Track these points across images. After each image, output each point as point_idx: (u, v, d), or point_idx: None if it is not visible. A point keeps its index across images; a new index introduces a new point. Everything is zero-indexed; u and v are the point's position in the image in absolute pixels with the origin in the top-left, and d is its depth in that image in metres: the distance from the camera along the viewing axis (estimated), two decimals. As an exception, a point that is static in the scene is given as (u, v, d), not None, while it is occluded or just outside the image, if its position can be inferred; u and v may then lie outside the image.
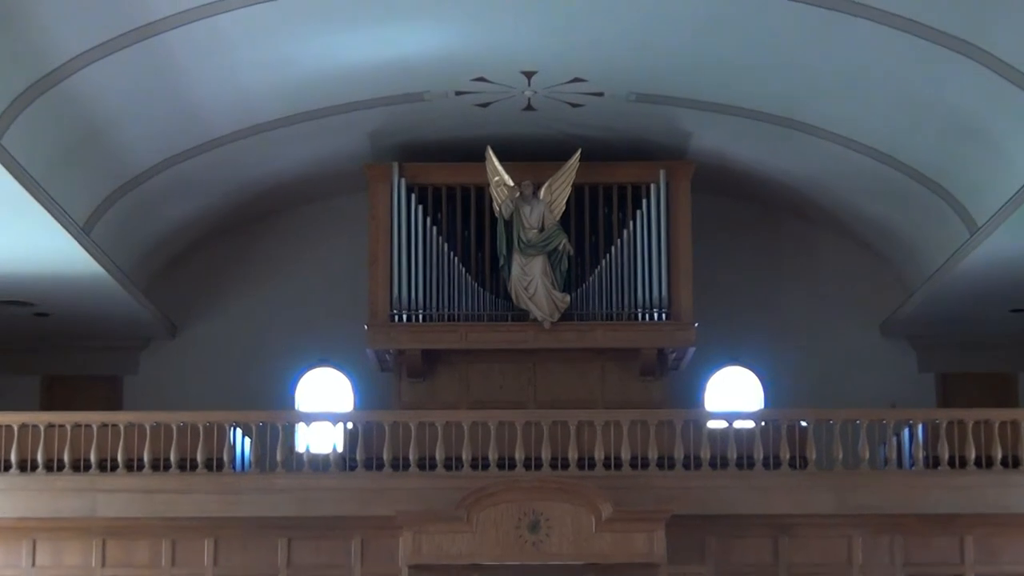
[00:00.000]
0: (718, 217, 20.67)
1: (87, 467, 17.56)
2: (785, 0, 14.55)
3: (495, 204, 18.99)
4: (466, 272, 18.94)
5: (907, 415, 18.70)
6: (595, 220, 19.27)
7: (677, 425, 17.96)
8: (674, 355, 19.46)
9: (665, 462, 17.75)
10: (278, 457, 17.74)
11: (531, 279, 18.75)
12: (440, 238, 18.96)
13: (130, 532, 17.53)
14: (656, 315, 18.84)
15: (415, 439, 17.73)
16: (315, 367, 21.07)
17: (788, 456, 17.80)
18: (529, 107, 18.08)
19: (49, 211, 15.78)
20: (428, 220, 18.96)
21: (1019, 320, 20.36)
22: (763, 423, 18.22)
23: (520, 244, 18.79)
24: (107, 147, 16.79)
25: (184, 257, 21.25)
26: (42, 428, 17.68)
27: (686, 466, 17.74)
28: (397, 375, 19.77)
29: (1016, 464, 17.70)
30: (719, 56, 16.49)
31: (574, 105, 18.08)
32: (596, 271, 19.02)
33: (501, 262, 18.95)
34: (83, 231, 17.15)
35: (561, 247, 18.87)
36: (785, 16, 14.89)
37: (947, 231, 18.41)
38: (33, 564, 17.50)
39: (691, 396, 20.70)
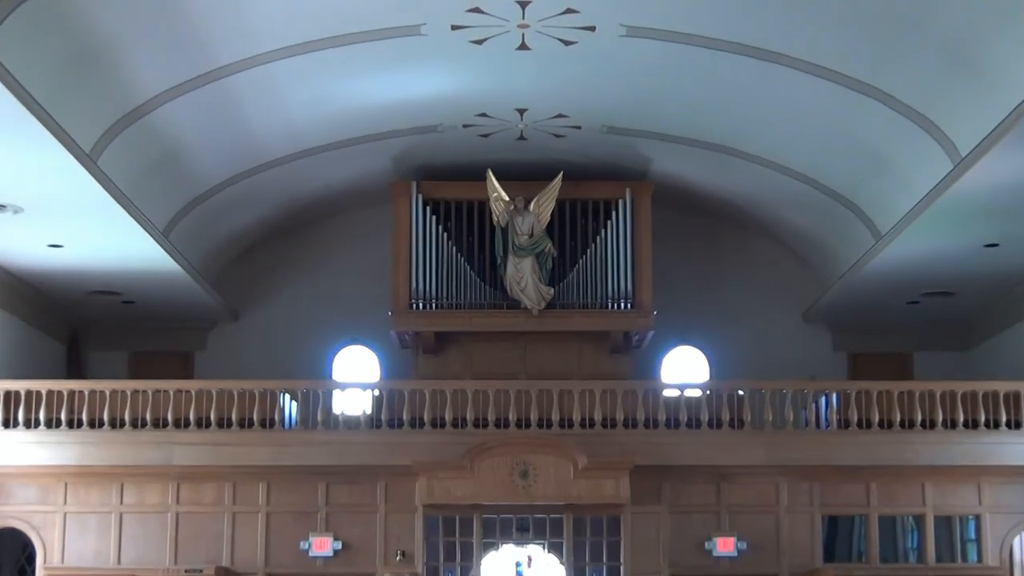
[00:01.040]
0: (673, 227, 20.62)
1: (165, 425, 17.60)
2: (727, 53, 14.61)
3: (494, 215, 19.01)
4: (470, 269, 18.94)
5: (824, 386, 18.74)
6: (574, 228, 19.24)
7: (639, 393, 18.02)
8: (637, 337, 19.48)
9: (629, 422, 17.77)
10: (318, 417, 17.77)
11: (522, 275, 18.80)
12: (449, 242, 18.96)
13: (200, 477, 17.58)
14: (622, 304, 18.87)
15: (429, 403, 17.77)
16: (348, 345, 21.10)
17: (728, 418, 17.83)
18: (522, 137, 18.13)
19: (135, 219, 15.90)
20: (440, 228, 18.96)
21: (914, 310, 20.43)
22: (708, 392, 18.22)
23: (514, 247, 18.83)
24: (183, 167, 16.86)
25: (244, 256, 21.25)
26: (128, 393, 17.73)
27: (646, 426, 17.76)
28: (414, 352, 19.78)
29: (911, 426, 17.73)
30: (675, 97, 16.55)
31: (557, 136, 18.13)
32: (575, 269, 19.01)
33: (498, 261, 18.95)
34: (163, 235, 17.24)
35: (547, 250, 18.91)
36: (727, 66, 14.95)
37: (856, 238, 18.46)
38: (121, 503, 17.54)
39: (650, 369, 20.68)
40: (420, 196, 18.98)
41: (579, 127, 17.78)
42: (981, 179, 14.27)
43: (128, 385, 18.02)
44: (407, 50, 14.84)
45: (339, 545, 17.48)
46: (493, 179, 18.84)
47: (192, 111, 15.29)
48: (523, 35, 14.46)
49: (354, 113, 17.02)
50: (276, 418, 17.85)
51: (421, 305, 18.78)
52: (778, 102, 15.92)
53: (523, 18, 14.05)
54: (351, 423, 18.17)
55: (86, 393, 17.73)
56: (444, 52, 14.98)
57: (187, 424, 17.61)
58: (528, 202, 18.91)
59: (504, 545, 17.43)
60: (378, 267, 20.00)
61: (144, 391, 17.80)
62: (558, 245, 19.05)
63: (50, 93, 12.53)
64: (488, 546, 17.36)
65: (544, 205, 18.93)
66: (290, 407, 18.37)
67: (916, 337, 21.34)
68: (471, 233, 19.16)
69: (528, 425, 17.66)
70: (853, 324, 21.18)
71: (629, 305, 18.86)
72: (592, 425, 17.68)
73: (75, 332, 20.99)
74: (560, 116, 17.41)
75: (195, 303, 20.21)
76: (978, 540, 17.80)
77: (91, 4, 12.18)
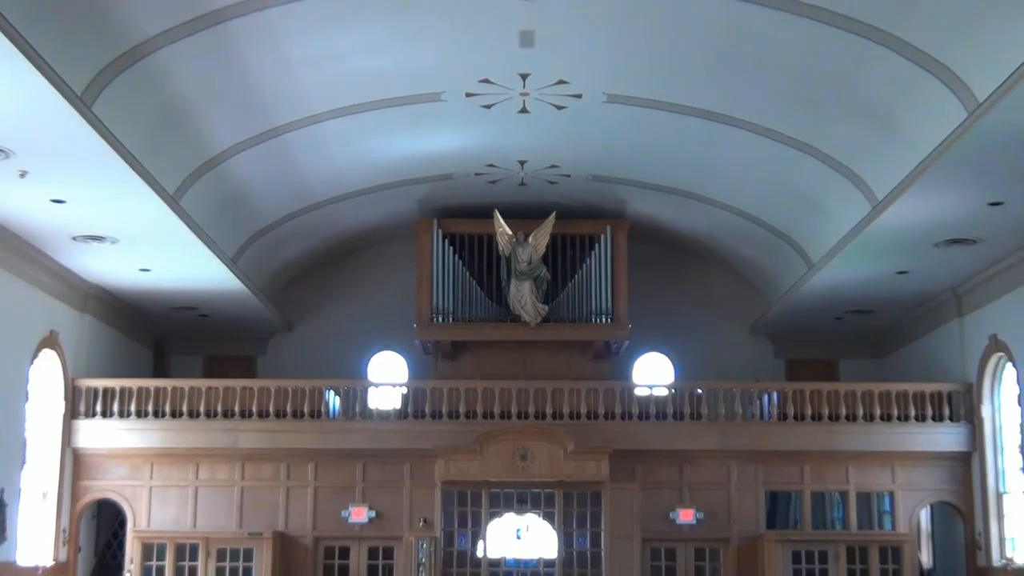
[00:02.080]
0: (645, 256, 20.53)
1: (232, 415, 17.59)
2: (690, 116, 14.68)
3: (499, 247, 18.93)
4: (480, 290, 18.89)
5: (766, 386, 18.74)
6: (564, 257, 19.16)
7: (616, 391, 18.04)
8: (615, 345, 19.38)
9: (609, 415, 17.76)
10: (356, 410, 17.79)
11: (522, 295, 18.77)
12: (463, 268, 18.91)
13: (260, 458, 17.57)
14: (603, 319, 18.79)
15: (446, 398, 17.79)
16: (381, 351, 21.06)
17: (689, 412, 17.83)
18: (522, 184, 18.11)
19: (210, 248, 15.94)
20: (456, 256, 18.91)
21: (839, 325, 20.38)
22: (672, 390, 18.22)
23: (515, 272, 18.80)
24: (248, 207, 16.88)
25: (297, 278, 21.22)
26: (203, 390, 17.75)
27: (622, 418, 17.75)
28: (435, 357, 19.73)
29: (837, 419, 17.71)
30: (647, 152, 16.59)
31: (551, 182, 18.11)
32: (565, 290, 18.94)
33: (503, 284, 18.88)
34: (232, 261, 17.25)
35: (542, 275, 18.87)
36: (690, 127, 15.02)
37: (792, 266, 18.46)
38: (196, 478, 17.54)
39: (626, 372, 20.64)
40: (440, 231, 18.97)
41: (569, 175, 17.80)
42: (893, 219, 14.29)
43: (202, 383, 18.00)
44: (430, 113, 14.90)
45: (373, 513, 17.45)
46: (499, 217, 18.84)
47: (256, 161, 15.33)
48: (524, 101, 14.52)
49: (386, 164, 17.04)
50: (322, 410, 17.85)
51: (440, 319, 18.75)
52: (731, 156, 15.94)
53: (524, 87, 14.12)
54: (383, 415, 18.13)
55: (168, 390, 17.76)
56: (459, 115, 15.03)
57: (250, 415, 17.60)
58: (527, 236, 18.89)
59: (507, 514, 17.39)
60: (405, 288, 19.95)
61: (215, 388, 17.80)
62: (551, 271, 19.00)
63: (142, 145, 12.60)
64: (494, 515, 17.33)
65: (540, 238, 18.92)
66: (333, 401, 18.35)
67: (841, 347, 21.27)
68: (481, 261, 19.11)
69: (527, 417, 17.63)
70: (790, 336, 21.13)
71: (609, 319, 18.81)
72: (579, 417, 17.66)
73: (160, 340, 21.01)
74: (553, 166, 17.44)
75: (257, 316, 20.19)
76: (892, 512, 17.77)
77: (176, 74, 12.26)
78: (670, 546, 17.59)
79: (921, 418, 17.66)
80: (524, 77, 13.87)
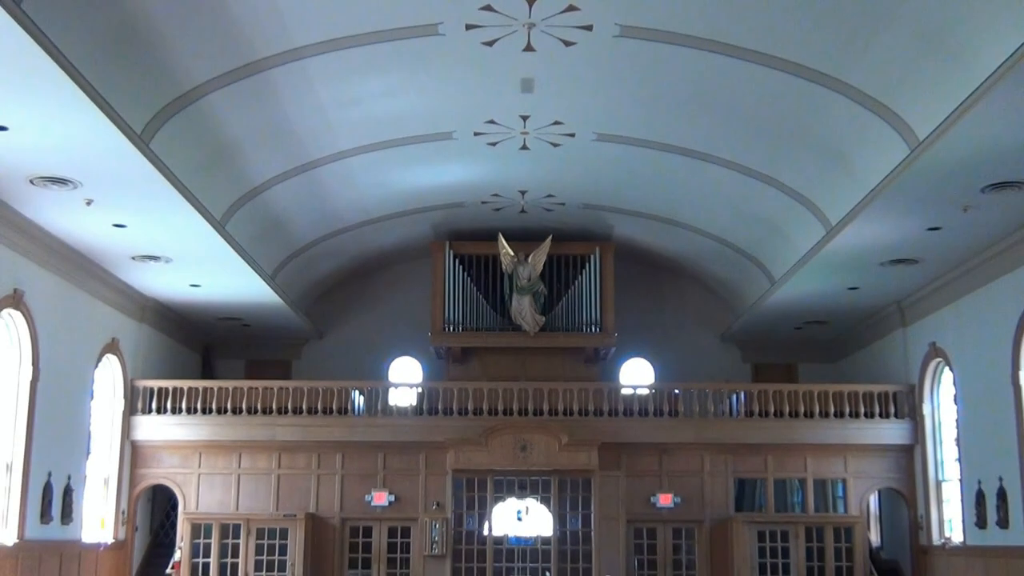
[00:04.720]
0: (629, 274, 20.54)
1: (270, 412, 17.57)
2: (669, 153, 14.67)
3: (503, 266, 18.92)
4: (486, 303, 18.84)
5: (735, 386, 18.67)
6: (559, 275, 19.09)
7: (604, 391, 18.00)
8: (603, 351, 19.29)
9: (598, 412, 17.73)
10: (379, 407, 17.75)
11: (523, 308, 18.72)
12: (472, 284, 18.85)
13: (294, 449, 17.51)
14: (593, 328, 18.74)
15: (456, 397, 17.75)
16: (399, 356, 20.98)
17: (667, 409, 17.79)
18: (523, 211, 18.07)
19: (252, 267, 15.91)
20: (465, 274, 18.87)
21: (798, 333, 20.29)
22: (653, 390, 18.17)
23: (516, 288, 18.76)
24: (285, 231, 16.85)
25: (327, 293, 21.15)
26: (245, 389, 17.70)
27: (610, 414, 17.71)
28: (447, 361, 19.63)
29: (796, 415, 17.69)
30: (632, 184, 16.55)
31: (548, 210, 18.08)
32: (560, 304, 18.91)
33: (506, 298, 18.85)
34: (271, 278, 17.23)
35: (540, 290, 18.83)
36: (667, 162, 15.00)
37: (757, 283, 18.43)
38: (239, 467, 17.49)
39: (612, 374, 20.56)
40: (451, 252, 18.93)
41: (563, 204, 17.78)
42: (845, 242, 14.28)
43: (244, 384, 17.95)
44: (442, 150, 14.90)
45: (392, 498, 17.40)
46: (503, 240, 18.82)
47: (292, 191, 15.33)
48: (524, 139, 14.52)
49: (405, 193, 17.03)
50: (349, 408, 17.80)
51: (451, 328, 18.70)
52: (704, 187, 15.93)
53: (524, 127, 14.13)
54: (401, 411, 18.09)
55: (215, 389, 17.72)
56: (469, 151, 15.03)
57: (286, 412, 17.58)
58: (527, 256, 18.86)
59: (509, 498, 17.35)
60: (421, 302, 19.92)
61: (256, 388, 17.77)
62: (548, 286, 18.95)
63: (193, 177, 12.62)
64: (498, 499, 17.30)
65: (538, 258, 18.88)
66: (359, 400, 18.30)
67: (800, 352, 21.17)
68: (487, 278, 19.06)
69: (526, 413, 17.59)
70: (755, 343, 21.04)
71: (598, 329, 18.75)
72: (572, 413, 17.63)
73: (208, 346, 20.96)
74: (550, 196, 17.42)
75: (293, 326, 20.12)
76: (844, 497, 17.72)
77: (223, 116, 12.26)
78: (651, 526, 17.54)
79: (870, 415, 17.61)
80: (524, 118, 13.87)
